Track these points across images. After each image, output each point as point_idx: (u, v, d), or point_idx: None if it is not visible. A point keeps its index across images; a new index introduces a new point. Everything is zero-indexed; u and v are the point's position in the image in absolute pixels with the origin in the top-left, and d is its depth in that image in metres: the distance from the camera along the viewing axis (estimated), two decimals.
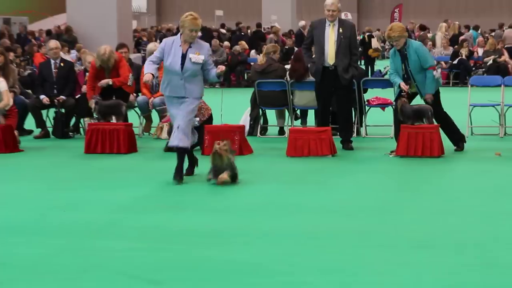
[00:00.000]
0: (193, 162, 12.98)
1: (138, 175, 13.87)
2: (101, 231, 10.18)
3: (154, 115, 18.79)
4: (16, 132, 16.79)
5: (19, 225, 10.51)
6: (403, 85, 14.85)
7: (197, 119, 14.31)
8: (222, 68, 11.86)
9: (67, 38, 26.53)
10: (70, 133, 18.42)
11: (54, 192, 12.43)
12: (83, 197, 12.02)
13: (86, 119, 18.25)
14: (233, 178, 11.96)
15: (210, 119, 15.67)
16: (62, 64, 18.60)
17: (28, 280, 8.04)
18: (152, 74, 12.06)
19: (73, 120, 18.77)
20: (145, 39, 37.53)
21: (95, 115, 16.99)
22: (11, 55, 21.10)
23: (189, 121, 12.12)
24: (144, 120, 18.68)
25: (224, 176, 11.53)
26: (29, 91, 18.50)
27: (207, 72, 12.15)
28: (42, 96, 18.16)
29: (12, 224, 10.53)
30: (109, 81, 17.23)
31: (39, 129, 18.55)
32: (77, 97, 18.09)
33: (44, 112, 18.80)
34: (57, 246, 9.42)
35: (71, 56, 21.21)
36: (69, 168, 14.76)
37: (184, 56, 11.74)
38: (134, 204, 11.64)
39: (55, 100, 18.20)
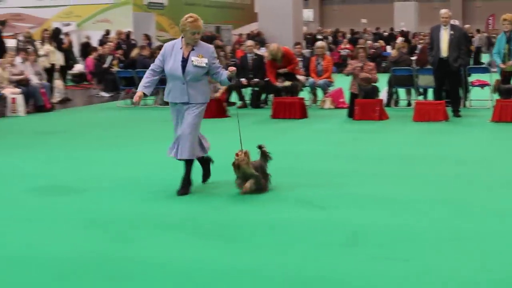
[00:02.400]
0: (207, 171, 9.42)
1: (310, 131, 14.33)
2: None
3: (319, 92, 19.14)
4: (224, 104, 17.56)
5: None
6: (502, 65, 15.38)
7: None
8: (233, 69, 8.69)
9: (258, 39, 27.15)
10: (261, 105, 18.89)
11: (248, 142, 12.89)
12: (275, 148, 12.47)
13: (271, 95, 18.75)
14: (258, 186, 8.64)
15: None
16: (255, 57, 19.08)
17: None
18: (144, 94, 8.66)
19: (263, 96, 19.27)
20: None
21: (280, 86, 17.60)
22: (220, 51, 21.75)
23: (194, 129, 8.58)
24: (312, 96, 19.14)
25: (247, 186, 8.51)
26: None
27: (217, 75, 8.72)
28: (242, 79, 18.79)
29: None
30: (285, 70, 17.87)
31: (240, 102, 19.21)
32: (265, 79, 18.57)
33: (243, 90, 19.33)
34: None
35: (261, 51, 21.71)
36: (261, 128, 15.21)
37: (185, 60, 8.43)
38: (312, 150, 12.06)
39: (251, 82, 18.91)
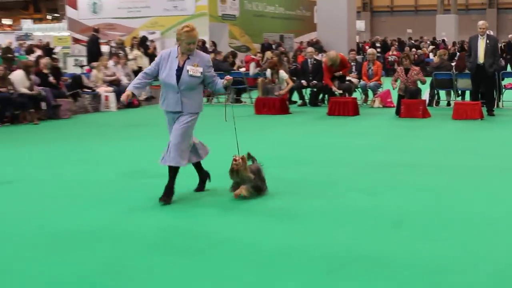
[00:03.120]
0: (204, 177, 8.24)
1: (361, 127, 14.22)
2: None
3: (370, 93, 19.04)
4: (287, 102, 17.56)
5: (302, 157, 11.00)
6: None
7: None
8: (229, 78, 7.67)
9: (317, 46, 27.06)
10: (319, 103, 18.87)
11: (308, 136, 13.02)
12: (331, 141, 12.52)
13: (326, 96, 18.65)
14: (256, 190, 7.70)
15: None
16: (314, 62, 19.03)
17: None
18: (133, 93, 7.58)
19: (320, 96, 19.17)
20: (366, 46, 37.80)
21: (336, 93, 17.58)
22: (284, 57, 21.73)
23: (184, 137, 7.50)
24: (363, 96, 19.05)
25: (241, 190, 7.56)
26: (294, 78, 19.13)
27: (212, 84, 7.66)
28: (302, 81, 18.81)
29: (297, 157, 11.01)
30: (340, 73, 17.82)
31: (301, 100, 19.18)
32: (323, 82, 18.43)
33: (303, 90, 19.32)
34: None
35: (320, 57, 21.64)
36: (318, 123, 15.16)
37: (180, 69, 7.36)
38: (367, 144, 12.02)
39: (310, 83, 18.87)
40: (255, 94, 18.54)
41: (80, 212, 7.12)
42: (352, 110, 16.33)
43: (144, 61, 23.82)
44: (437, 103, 18.35)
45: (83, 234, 6.30)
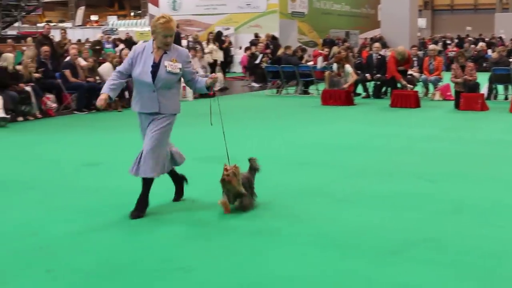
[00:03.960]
0: (181, 183, 6.96)
1: (422, 118, 14.01)
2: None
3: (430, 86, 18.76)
4: (352, 94, 17.45)
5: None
6: None
7: None
8: (214, 76, 6.54)
9: (381, 42, 26.65)
10: (382, 96, 18.70)
11: (372, 126, 12.91)
12: (394, 131, 12.40)
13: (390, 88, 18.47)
14: (243, 207, 6.39)
15: None
16: (379, 57, 18.86)
17: None
18: (109, 97, 6.24)
19: (383, 88, 18.98)
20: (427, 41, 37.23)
21: (399, 85, 17.39)
22: (349, 52, 21.55)
23: (160, 144, 6.27)
24: (424, 89, 18.78)
25: (237, 205, 6.39)
26: (359, 71, 18.97)
27: (192, 82, 6.47)
28: (367, 74, 18.66)
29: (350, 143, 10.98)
30: (402, 67, 17.58)
31: (365, 93, 19.02)
32: (386, 76, 18.24)
33: (367, 83, 19.14)
34: None
35: (383, 52, 21.37)
36: (382, 114, 14.98)
37: (156, 65, 6.11)
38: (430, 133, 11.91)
39: (374, 77, 18.69)
40: (322, 86, 18.46)
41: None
42: (414, 102, 16.13)
43: (219, 54, 23.98)
44: (495, 97, 17.91)
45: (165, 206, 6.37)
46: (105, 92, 6.19)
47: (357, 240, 5.40)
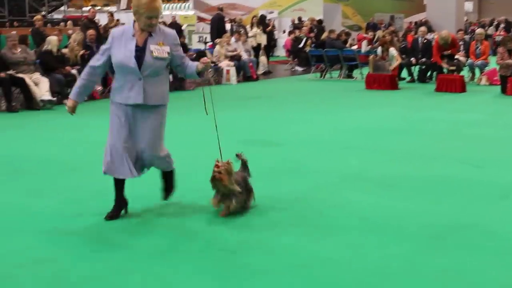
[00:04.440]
0: (169, 186, 6.02)
1: (468, 103, 13.89)
2: None
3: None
4: (396, 78, 17.28)
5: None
6: None
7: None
8: (206, 61, 5.58)
9: (426, 26, 26.27)
10: (427, 80, 18.43)
11: (416, 110, 12.72)
12: (438, 115, 12.15)
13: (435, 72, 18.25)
14: (242, 207, 5.71)
15: None
16: (425, 41, 18.62)
17: None
18: (76, 102, 5.55)
19: (428, 73, 18.75)
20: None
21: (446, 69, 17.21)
22: (394, 36, 21.29)
23: (156, 142, 5.53)
24: (471, 74, 18.49)
25: (229, 207, 5.61)
26: (404, 55, 18.78)
27: (182, 67, 5.62)
28: (412, 58, 18.46)
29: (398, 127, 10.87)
30: (449, 52, 17.36)
31: (409, 77, 18.77)
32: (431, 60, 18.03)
33: (412, 67, 18.92)
34: None
35: (429, 36, 21.08)
36: (427, 99, 14.82)
37: (141, 49, 5.28)
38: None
39: (419, 61, 18.44)
40: (366, 71, 18.33)
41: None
42: (459, 87, 15.94)
43: (262, 38, 23.94)
44: None
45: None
46: (73, 99, 5.52)
47: (400, 225, 5.34)
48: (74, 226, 5.36)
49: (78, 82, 5.56)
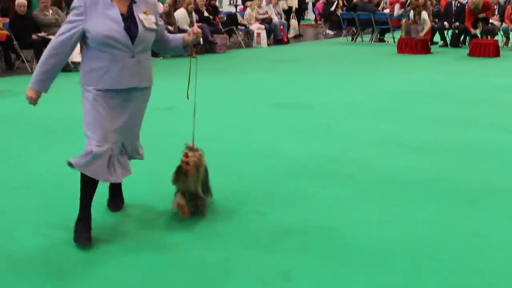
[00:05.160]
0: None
1: (502, 68, 13.68)
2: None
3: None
4: (429, 43, 17.12)
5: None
6: None
7: None
8: (196, 31, 4.44)
9: None
10: (460, 45, 18.26)
11: (448, 75, 12.62)
12: (471, 80, 12.09)
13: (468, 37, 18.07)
14: (198, 210, 4.57)
15: None
16: (458, 4, 18.45)
17: None
18: (39, 93, 4.16)
19: (461, 37, 18.55)
20: None
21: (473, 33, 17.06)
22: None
23: (139, 131, 4.50)
24: (505, 38, 18.24)
25: (190, 209, 4.52)
26: (437, 19, 18.58)
27: (162, 42, 4.55)
28: (445, 22, 18.25)
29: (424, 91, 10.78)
30: (483, 15, 17.19)
31: (442, 41, 18.61)
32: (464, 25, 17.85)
33: (445, 31, 18.74)
34: None
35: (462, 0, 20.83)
36: (459, 63, 14.69)
37: (128, 19, 4.11)
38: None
39: (453, 25, 18.24)
40: (397, 34, 18.16)
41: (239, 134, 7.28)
42: (493, 51, 15.82)
43: (294, 1, 23.77)
44: None
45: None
46: (34, 88, 4.15)
47: (431, 189, 5.33)
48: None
49: (40, 68, 4.13)
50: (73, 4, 4.15)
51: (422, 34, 16.66)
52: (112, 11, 4.12)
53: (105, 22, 4.08)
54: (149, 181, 5.45)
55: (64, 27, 4.13)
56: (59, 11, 13.98)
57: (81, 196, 4.27)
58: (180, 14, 16.35)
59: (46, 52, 4.13)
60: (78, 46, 13.26)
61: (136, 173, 4.62)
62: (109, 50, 4.11)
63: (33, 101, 4.20)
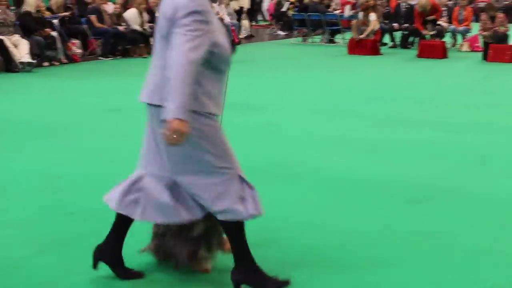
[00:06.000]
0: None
1: (449, 69, 13.86)
2: None
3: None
4: (378, 44, 17.29)
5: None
6: None
7: None
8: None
9: None
10: (409, 46, 18.48)
11: (397, 75, 12.77)
12: (419, 81, 12.21)
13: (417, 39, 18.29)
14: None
15: None
16: (407, 6, 18.59)
17: None
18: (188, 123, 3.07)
19: (410, 38, 18.74)
20: None
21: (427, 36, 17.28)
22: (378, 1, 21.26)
23: None
24: (453, 40, 18.52)
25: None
26: (387, 21, 18.79)
27: None
28: (394, 24, 18.48)
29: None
30: (432, 17, 17.45)
31: (391, 42, 18.80)
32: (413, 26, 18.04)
33: (394, 33, 18.95)
34: None
35: (412, 1, 21.07)
36: (408, 65, 14.85)
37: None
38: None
39: (401, 26, 18.44)
40: (348, 35, 18.30)
41: None
42: (441, 53, 16.01)
43: (245, 1, 23.81)
44: None
45: None
46: (186, 119, 3.12)
47: (378, 189, 5.39)
48: (53, 187, 5.34)
49: (185, 90, 3.05)
50: (192, 7, 3.06)
51: (363, 35, 16.84)
52: (217, 20, 3.21)
53: (221, 35, 3.24)
54: None
55: (191, 40, 3.02)
56: (7, 10, 13.72)
57: (243, 244, 3.44)
58: (131, 14, 16.19)
59: (185, 74, 3.02)
60: (28, 46, 13.07)
61: None
62: (222, 66, 3.39)
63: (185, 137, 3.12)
